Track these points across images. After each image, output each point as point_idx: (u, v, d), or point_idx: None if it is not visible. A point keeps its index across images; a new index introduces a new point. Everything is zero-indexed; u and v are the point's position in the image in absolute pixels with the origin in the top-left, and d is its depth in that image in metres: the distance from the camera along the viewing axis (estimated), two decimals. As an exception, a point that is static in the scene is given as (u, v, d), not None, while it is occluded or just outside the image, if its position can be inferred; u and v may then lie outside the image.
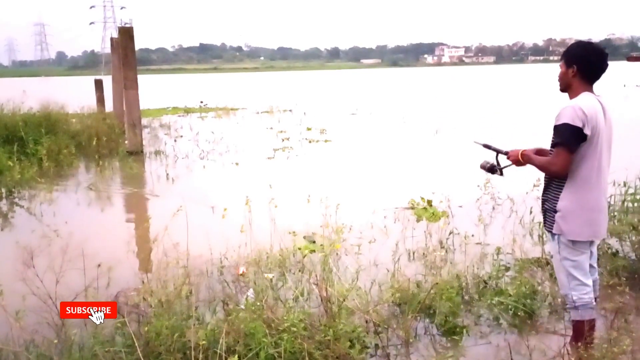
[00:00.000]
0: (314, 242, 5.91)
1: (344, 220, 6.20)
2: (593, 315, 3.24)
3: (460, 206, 7.36)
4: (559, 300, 4.27)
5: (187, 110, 25.40)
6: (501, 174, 3.52)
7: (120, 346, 3.31)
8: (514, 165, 3.43)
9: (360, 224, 6.43)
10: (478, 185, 7.33)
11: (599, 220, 3.16)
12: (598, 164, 3.10)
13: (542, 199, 3.30)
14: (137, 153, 12.85)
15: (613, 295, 4.09)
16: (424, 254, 5.42)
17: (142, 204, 8.87)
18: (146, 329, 3.41)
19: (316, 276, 4.16)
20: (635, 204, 6.65)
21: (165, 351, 3.23)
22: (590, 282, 3.25)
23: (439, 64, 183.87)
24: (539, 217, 6.38)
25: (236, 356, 2.95)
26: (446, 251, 5.48)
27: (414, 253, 5.57)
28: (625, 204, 6.60)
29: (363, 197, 8.13)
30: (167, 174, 10.53)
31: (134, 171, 11.04)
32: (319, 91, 42.43)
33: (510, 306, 4.11)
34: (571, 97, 3.20)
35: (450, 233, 5.83)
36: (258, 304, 3.76)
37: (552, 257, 3.29)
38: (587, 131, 3.00)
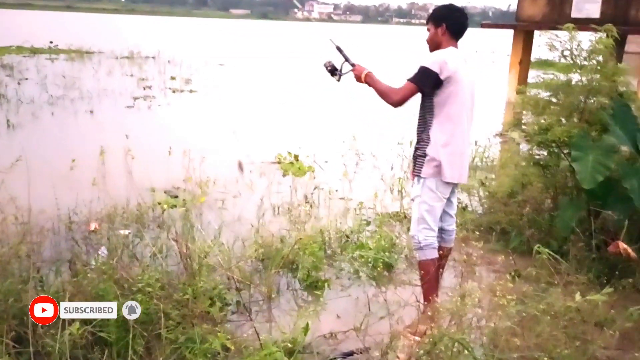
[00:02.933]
0: (176, 197, 5.64)
1: (208, 174, 6.01)
2: (436, 254, 3.41)
3: (326, 161, 7.44)
4: (414, 253, 4.49)
5: (34, 51, 22.79)
6: (339, 79, 3.56)
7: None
8: (354, 78, 3.47)
9: (225, 178, 6.25)
10: (343, 141, 7.44)
11: (462, 163, 3.35)
12: (459, 112, 3.27)
13: (415, 148, 3.43)
14: (-30, 95, 11.34)
15: (463, 247, 4.41)
16: (288, 208, 5.40)
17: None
18: (-26, 294, 2.99)
19: (175, 232, 3.94)
20: (484, 162, 7.20)
21: (-2, 318, 2.86)
22: (436, 229, 3.42)
23: (308, 19, 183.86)
24: (399, 174, 6.70)
25: (77, 322, 2.67)
26: (311, 206, 5.50)
27: (278, 208, 5.53)
28: (475, 161, 7.10)
29: (228, 151, 7.89)
30: (8, 120, 9.39)
31: (-34, 115, 9.74)
32: (185, 39, 40.45)
33: (370, 259, 4.22)
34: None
35: (315, 188, 5.86)
36: (110, 262, 3.49)
37: (412, 200, 3.42)
38: (442, 77, 3.18)
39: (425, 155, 3.32)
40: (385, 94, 3.28)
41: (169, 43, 32.90)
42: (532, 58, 15.38)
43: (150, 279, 3.18)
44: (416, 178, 3.38)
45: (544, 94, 4.76)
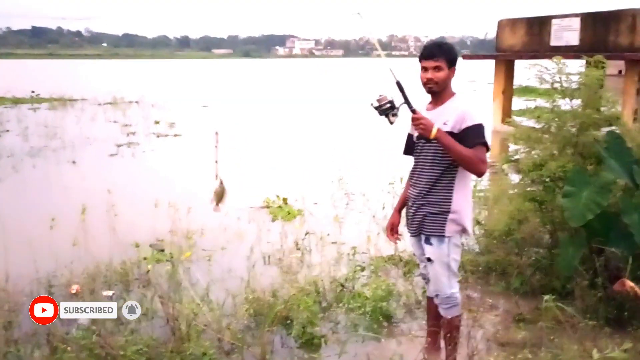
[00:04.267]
0: (162, 250, 5.47)
1: (196, 224, 5.86)
2: None
3: (316, 203, 7.32)
4: (412, 299, 4.36)
5: (16, 101, 22.71)
6: (392, 122, 3.02)
7: None
8: (414, 127, 3.00)
9: (213, 227, 6.09)
10: (332, 181, 7.31)
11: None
12: None
13: (420, 203, 3.11)
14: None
15: (463, 290, 4.25)
16: (279, 258, 5.26)
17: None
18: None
19: (156, 290, 3.75)
20: (476, 195, 7.08)
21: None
22: None
23: (290, 55, 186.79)
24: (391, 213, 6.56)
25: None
26: (302, 253, 5.37)
27: (269, 257, 5.38)
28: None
29: None
30: (-13, 175, 9.20)
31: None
32: (168, 82, 40.69)
33: (367, 310, 4.04)
34: (444, 97, 3.08)
35: (306, 234, 5.72)
36: (93, 328, 3.29)
37: (429, 261, 3.13)
38: None
39: (447, 212, 3.06)
40: (472, 162, 2.94)
41: (152, 86, 33.06)
42: (515, 85, 15.55)
43: (132, 350, 2.98)
44: (433, 238, 3.10)
45: (534, 124, 4.70)
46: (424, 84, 3.06)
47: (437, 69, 3.00)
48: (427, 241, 3.11)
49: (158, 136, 14.02)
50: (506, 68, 14.87)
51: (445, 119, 2.98)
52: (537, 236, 4.72)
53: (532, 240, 4.69)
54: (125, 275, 4.76)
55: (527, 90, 20.68)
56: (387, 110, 3.00)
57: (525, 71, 4.62)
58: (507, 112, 14.20)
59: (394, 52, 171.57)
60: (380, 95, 3.02)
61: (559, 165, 4.10)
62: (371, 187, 7.51)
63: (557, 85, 4.38)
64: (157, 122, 16.30)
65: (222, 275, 4.82)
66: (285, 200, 7.34)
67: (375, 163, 9.30)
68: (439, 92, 3.06)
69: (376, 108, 3.01)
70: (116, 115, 18.17)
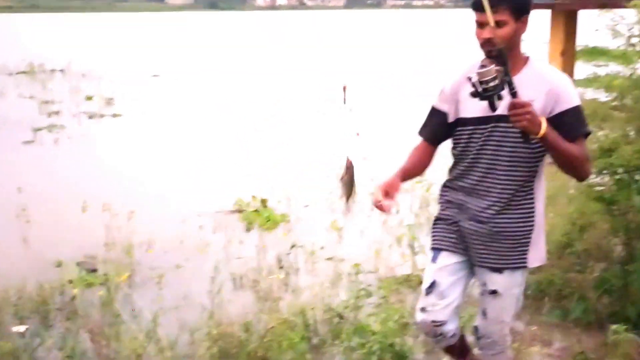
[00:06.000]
0: (94, 270, 5.53)
1: (140, 234, 5.93)
2: None
3: (307, 205, 7.37)
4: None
5: None
6: (494, 107, 2.76)
7: None
8: (515, 116, 2.68)
9: (165, 238, 6.17)
10: (328, 176, 7.34)
11: None
12: None
13: (492, 225, 3.03)
14: None
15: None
16: (255, 279, 5.30)
17: None
18: None
19: (86, 324, 3.79)
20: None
21: None
22: None
23: (272, 6, 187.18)
24: (409, 219, 6.59)
25: None
26: (287, 273, 5.43)
27: (241, 279, 5.43)
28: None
29: (169, 199, 7.81)
30: None
31: None
32: (105, 43, 40.68)
33: (374, 348, 4.07)
34: (515, 63, 2.87)
35: (292, 246, 5.78)
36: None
37: (493, 293, 3.13)
38: None
39: (529, 234, 3.04)
40: (580, 164, 2.89)
41: (83, 50, 33.02)
42: (578, 46, 15.62)
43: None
44: (506, 271, 3.08)
45: (602, 96, 4.73)
46: (481, 46, 2.87)
47: (499, 24, 2.77)
48: (496, 269, 3.08)
49: (90, 117, 14.06)
50: (566, 21, 14.90)
51: (527, 96, 2.73)
52: (606, 247, 4.73)
53: (598, 253, 4.71)
54: (44, 303, 4.77)
55: (595, 52, 20.69)
56: (493, 90, 2.69)
57: (593, 24, 4.64)
58: (567, 81, 14.25)
59: (415, 2, 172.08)
60: (484, 66, 2.72)
61: (636, 151, 4.11)
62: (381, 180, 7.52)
63: (636, 40, 4.39)
64: (89, 98, 16.36)
65: (176, 302, 4.83)
66: (264, 201, 7.37)
67: (391, 151, 9.27)
68: (499, 55, 2.75)
69: (476, 85, 2.71)
70: (33, 89, 18.27)
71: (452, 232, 3.15)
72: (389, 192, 3.05)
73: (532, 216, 3.01)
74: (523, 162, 2.93)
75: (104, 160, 10.28)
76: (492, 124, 2.90)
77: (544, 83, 2.86)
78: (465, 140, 3.01)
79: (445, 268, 3.16)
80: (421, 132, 3.21)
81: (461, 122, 3.02)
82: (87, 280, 5.26)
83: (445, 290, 3.12)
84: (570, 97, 2.86)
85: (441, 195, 3.24)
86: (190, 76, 21.80)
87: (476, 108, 2.88)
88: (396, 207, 3.25)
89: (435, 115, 3.12)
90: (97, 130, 12.80)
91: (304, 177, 8.58)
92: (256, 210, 7.22)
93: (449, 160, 3.19)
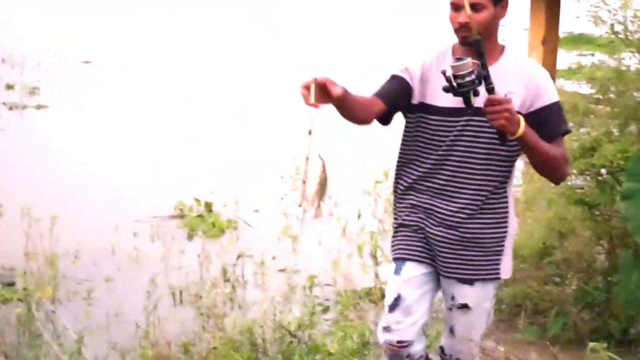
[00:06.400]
0: (12, 284, 5.46)
1: (66, 243, 5.83)
2: None
3: (256, 210, 7.37)
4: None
5: None
6: (470, 107, 2.72)
7: None
8: (492, 113, 2.67)
9: (94, 247, 6.12)
10: (282, 177, 7.26)
11: None
12: None
13: (462, 232, 3.00)
14: None
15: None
16: (197, 294, 5.22)
17: None
18: None
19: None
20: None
21: None
22: None
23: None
24: (371, 225, 6.53)
25: None
26: (233, 286, 5.42)
27: (181, 293, 5.38)
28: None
29: (99, 202, 7.71)
30: None
31: None
32: (29, 23, 40.02)
33: (330, 372, 4.10)
34: (491, 52, 2.85)
35: (239, 256, 5.74)
36: None
37: (463, 308, 3.09)
38: None
39: (502, 242, 3.04)
40: (558, 166, 2.91)
41: (4, 30, 32.42)
42: (561, 33, 15.87)
43: None
44: (477, 283, 3.05)
45: (585, 89, 4.82)
46: (456, 31, 2.85)
47: (476, 7, 2.76)
48: (466, 281, 3.04)
49: (11, 108, 13.86)
50: (548, 6, 15.02)
51: (505, 89, 2.78)
52: (587, 257, 4.71)
53: (579, 263, 4.68)
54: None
55: (580, 40, 20.99)
56: (469, 85, 2.65)
57: (576, 11, 4.65)
58: (549, 71, 14.43)
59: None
60: (459, 59, 2.67)
61: (620, 150, 4.10)
62: (343, 186, 7.46)
63: (620, 28, 4.35)
64: (9, 87, 16.05)
65: (106, 321, 4.81)
66: (209, 205, 7.35)
67: (352, 149, 9.27)
68: (474, 43, 2.74)
69: (450, 80, 2.66)
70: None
71: (418, 239, 3.09)
72: (326, 85, 2.57)
73: (506, 221, 3.02)
74: (499, 161, 2.92)
75: (25, 158, 10.09)
76: (466, 117, 2.86)
77: (522, 75, 2.89)
78: (431, 132, 2.95)
79: (410, 280, 3.09)
80: (374, 93, 2.94)
81: (426, 109, 2.95)
82: (2, 295, 5.20)
83: (411, 305, 3.05)
84: (550, 92, 2.92)
85: (402, 198, 3.16)
86: (135, 66, 21.47)
87: (448, 97, 2.78)
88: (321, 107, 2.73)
89: (395, 80, 2.95)
90: (19, 123, 12.66)
91: (255, 177, 8.57)
92: (200, 215, 7.22)
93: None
